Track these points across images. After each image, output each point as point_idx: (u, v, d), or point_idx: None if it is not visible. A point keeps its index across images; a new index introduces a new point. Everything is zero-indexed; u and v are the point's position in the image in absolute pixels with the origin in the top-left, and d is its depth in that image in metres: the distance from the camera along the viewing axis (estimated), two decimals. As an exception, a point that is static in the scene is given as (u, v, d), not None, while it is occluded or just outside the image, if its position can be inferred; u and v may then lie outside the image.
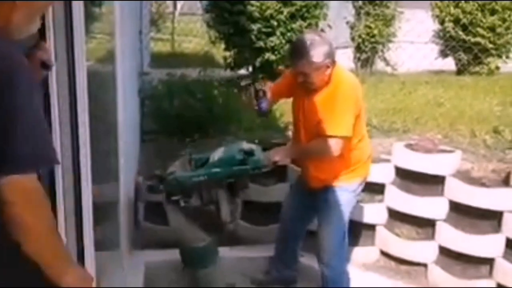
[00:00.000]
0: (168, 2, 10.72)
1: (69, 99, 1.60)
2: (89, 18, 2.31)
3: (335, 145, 2.44)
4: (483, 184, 3.11)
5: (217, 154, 2.63)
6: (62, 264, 1.24)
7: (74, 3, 1.56)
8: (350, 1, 6.49)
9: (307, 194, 2.72)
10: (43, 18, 1.49)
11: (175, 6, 10.93)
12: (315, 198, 2.67)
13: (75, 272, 1.27)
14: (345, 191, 2.60)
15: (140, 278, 2.92)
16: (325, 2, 5.83)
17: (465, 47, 6.31)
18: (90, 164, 1.77)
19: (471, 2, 6.27)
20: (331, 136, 2.43)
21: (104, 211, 2.51)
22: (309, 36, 2.50)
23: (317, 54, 2.40)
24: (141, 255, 3.16)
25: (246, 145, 2.66)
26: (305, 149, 2.65)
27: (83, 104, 1.67)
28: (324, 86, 2.49)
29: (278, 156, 2.61)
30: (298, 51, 2.47)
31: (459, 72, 6.52)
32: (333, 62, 2.46)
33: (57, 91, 1.58)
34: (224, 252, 2.82)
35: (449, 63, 6.82)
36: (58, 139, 1.61)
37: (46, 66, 1.42)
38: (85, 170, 1.73)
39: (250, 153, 2.54)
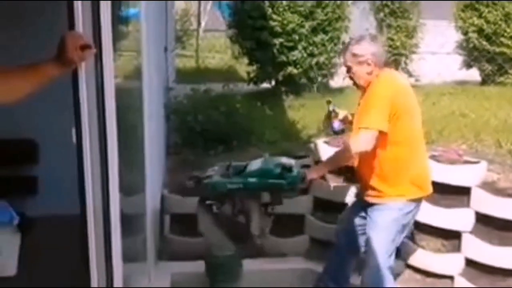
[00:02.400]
0: (192, 19, 10.93)
1: (97, 114, 1.67)
2: (117, 36, 2.40)
3: (364, 137, 2.43)
4: (509, 195, 3.06)
5: (255, 164, 2.62)
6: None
7: (102, 21, 1.64)
8: (372, 14, 6.51)
9: (361, 209, 2.69)
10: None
11: (199, 23, 11.13)
12: (367, 215, 2.64)
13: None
14: (388, 209, 2.54)
15: (166, 289, 2.97)
16: (346, 15, 5.88)
17: (489, 57, 6.24)
18: (118, 176, 1.83)
19: (494, 12, 6.22)
20: (360, 128, 2.45)
21: (131, 223, 2.58)
22: (360, 34, 2.66)
23: (360, 49, 2.51)
24: (167, 267, 3.20)
25: (285, 160, 2.65)
26: (337, 154, 2.66)
27: (112, 118, 1.74)
28: (367, 85, 2.55)
29: (314, 174, 2.62)
30: (346, 44, 2.66)
31: (483, 82, 6.44)
32: (379, 64, 2.51)
33: (87, 106, 1.66)
34: (247, 264, 2.84)
35: (474, 74, 6.75)
36: (88, 152, 1.68)
37: (86, 46, 1.52)
38: (113, 182, 1.79)
39: (288, 168, 2.53)
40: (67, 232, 2.34)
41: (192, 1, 11.49)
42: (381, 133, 2.42)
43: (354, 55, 2.52)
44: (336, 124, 2.80)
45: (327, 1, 5.66)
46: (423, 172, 2.63)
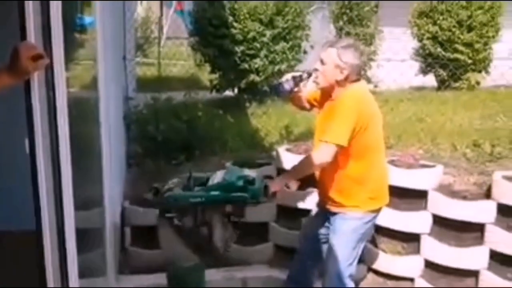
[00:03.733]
0: (152, 27, 10.83)
1: (49, 125, 1.62)
2: (73, 44, 2.35)
3: (325, 150, 2.45)
4: (465, 197, 3.17)
5: (217, 177, 2.59)
6: None
7: (53, 28, 1.59)
8: (331, 22, 6.62)
9: (322, 218, 2.71)
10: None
11: (160, 30, 11.03)
12: (328, 223, 2.66)
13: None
14: (349, 219, 2.57)
15: (128, 303, 2.90)
16: (306, 23, 5.95)
17: (444, 63, 6.44)
18: (73, 190, 1.78)
19: (448, 19, 6.43)
20: (322, 141, 2.47)
21: (90, 237, 2.51)
22: (352, 40, 2.58)
23: (346, 56, 2.47)
24: (128, 280, 3.14)
25: (247, 172, 2.63)
26: (299, 165, 2.64)
27: (64, 130, 1.69)
28: (329, 90, 2.55)
29: (276, 186, 2.59)
30: (334, 41, 2.60)
31: (440, 88, 6.64)
32: (351, 77, 2.50)
33: (40, 118, 1.61)
34: (211, 273, 2.81)
35: (431, 80, 6.96)
36: (42, 164, 1.63)
37: (39, 57, 1.50)
38: (68, 196, 1.74)
39: (250, 181, 2.51)
40: (21, 248, 2.26)
41: (153, 9, 11.39)
42: (342, 147, 2.45)
43: (338, 56, 2.47)
44: (286, 84, 2.68)
45: (287, 10, 5.71)
46: (381, 184, 2.67)
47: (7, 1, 3.10)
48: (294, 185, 3.26)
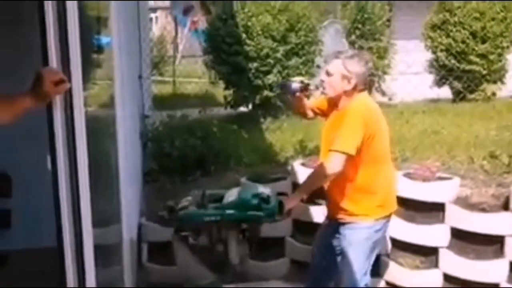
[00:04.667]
0: (168, 46, 11.01)
1: (67, 145, 1.67)
2: (90, 64, 2.41)
3: (335, 159, 2.45)
4: (483, 210, 3.13)
5: (232, 195, 2.58)
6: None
7: (71, 49, 1.65)
8: (344, 37, 6.66)
9: (332, 229, 2.71)
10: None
11: (176, 49, 11.21)
12: (339, 234, 2.66)
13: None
14: (360, 228, 2.57)
15: (145, 319, 2.92)
16: (319, 38, 6.00)
17: (459, 75, 6.41)
18: (91, 207, 1.82)
19: (462, 31, 6.42)
20: (331, 151, 2.47)
21: (108, 253, 2.55)
22: (358, 51, 2.63)
23: (352, 66, 2.51)
24: (146, 296, 3.17)
25: (261, 189, 2.62)
26: (310, 178, 2.65)
27: (82, 149, 1.73)
28: (336, 100, 2.58)
29: (291, 203, 2.59)
30: (340, 53, 2.61)
31: (455, 100, 6.61)
32: (359, 86, 2.53)
33: (61, 136, 1.66)
34: (227, 289, 2.81)
35: (446, 92, 6.92)
36: (63, 183, 1.68)
37: (61, 81, 1.58)
38: (86, 213, 1.78)
39: (265, 199, 2.50)
40: (43, 266, 2.30)
41: (168, 28, 11.58)
42: (351, 156, 2.46)
43: (344, 66, 2.51)
44: (294, 84, 2.77)
45: (300, 25, 5.77)
46: (389, 192, 2.68)
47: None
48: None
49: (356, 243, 2.58)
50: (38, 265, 2.81)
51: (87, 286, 1.81)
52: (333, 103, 2.66)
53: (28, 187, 3.31)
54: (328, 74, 2.58)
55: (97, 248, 1.89)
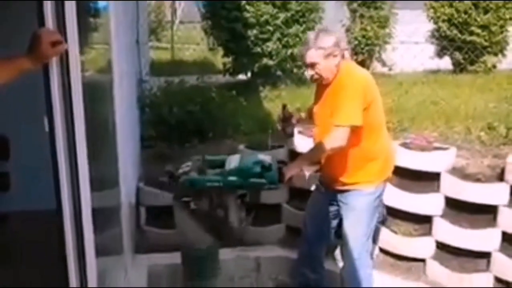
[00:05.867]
0: (166, 11, 10.83)
1: (64, 109, 1.66)
2: (87, 28, 2.38)
3: (340, 134, 2.44)
4: (478, 180, 3.15)
5: (233, 161, 2.60)
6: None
7: (67, 13, 1.63)
8: (345, 4, 6.56)
9: (328, 196, 2.73)
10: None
11: (174, 14, 11.03)
12: (335, 202, 2.69)
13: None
14: (363, 195, 2.60)
15: (144, 281, 2.98)
16: (320, 5, 5.91)
17: (460, 46, 6.36)
18: (88, 171, 1.83)
19: (465, 2, 6.33)
20: (336, 126, 2.46)
21: (106, 217, 2.58)
22: (315, 31, 2.63)
23: (324, 42, 2.49)
24: (144, 259, 3.22)
25: (262, 157, 2.62)
26: (313, 151, 2.64)
27: (79, 111, 1.73)
28: (333, 78, 2.55)
29: (291, 171, 2.58)
30: (306, 43, 2.58)
31: (455, 71, 6.57)
32: (342, 54, 2.52)
33: (58, 100, 1.65)
34: (224, 253, 2.86)
35: (447, 63, 6.88)
36: (61, 146, 1.68)
37: (58, 42, 1.57)
38: (83, 176, 1.79)
39: (267, 167, 2.51)
40: (41, 227, 2.34)
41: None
42: (357, 127, 2.45)
43: (320, 48, 2.48)
44: (289, 129, 2.94)
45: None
46: (388, 156, 2.72)
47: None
48: (310, 169, 3.29)
49: (360, 210, 2.61)
50: (36, 226, 2.85)
51: (86, 248, 1.84)
52: (322, 85, 2.64)
53: (26, 149, 3.32)
54: (312, 66, 2.53)
55: (96, 211, 1.91)
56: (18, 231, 3.15)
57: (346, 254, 2.69)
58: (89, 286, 1.85)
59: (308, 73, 2.60)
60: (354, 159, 2.57)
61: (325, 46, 2.48)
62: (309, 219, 2.92)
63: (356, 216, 2.62)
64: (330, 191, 2.72)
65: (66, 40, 1.63)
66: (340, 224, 2.74)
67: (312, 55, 2.51)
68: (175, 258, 2.83)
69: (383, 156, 2.66)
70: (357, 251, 2.63)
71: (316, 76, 2.57)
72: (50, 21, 1.58)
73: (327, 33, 2.53)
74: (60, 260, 1.76)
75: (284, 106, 2.93)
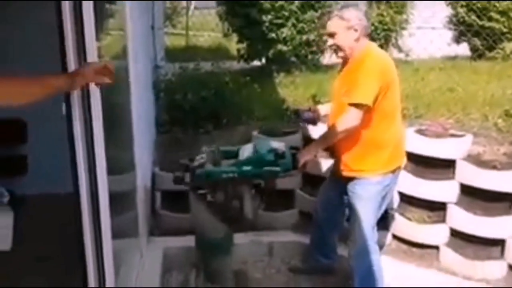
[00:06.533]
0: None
1: (81, 93, 1.69)
2: (103, 15, 2.40)
3: (353, 114, 2.46)
4: (494, 167, 3.12)
5: (247, 150, 2.60)
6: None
7: (84, 2, 1.65)
8: (361, -11, 6.46)
9: (340, 183, 2.73)
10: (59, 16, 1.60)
11: (189, 0, 10.99)
12: (346, 188, 2.69)
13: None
14: (370, 184, 2.60)
15: (158, 263, 3.03)
16: (336, -9, 5.84)
17: (478, 32, 6.23)
18: (105, 154, 1.86)
19: (484, -13, 6.19)
20: (350, 104, 2.47)
21: (122, 201, 2.62)
22: (343, 5, 2.69)
23: (347, 14, 2.54)
24: (159, 242, 3.27)
25: (275, 145, 2.62)
26: (326, 135, 2.64)
27: (96, 97, 1.76)
28: (351, 54, 2.56)
29: (306, 156, 2.60)
30: (330, 13, 2.64)
31: (474, 57, 6.45)
32: (363, 31, 2.55)
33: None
34: (238, 237, 2.89)
35: (465, 49, 6.75)
36: (79, 133, 1.71)
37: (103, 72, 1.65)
38: (100, 160, 1.82)
39: (281, 155, 2.51)
40: (59, 211, 2.39)
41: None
42: (368, 108, 2.45)
43: (342, 18, 2.52)
44: (306, 114, 2.92)
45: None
46: (398, 146, 2.68)
47: None
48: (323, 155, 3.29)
49: (366, 199, 2.61)
50: (54, 209, 2.91)
51: (103, 230, 1.88)
52: (342, 63, 2.67)
53: (43, 133, 3.37)
54: (331, 36, 2.56)
55: (112, 195, 1.95)
56: (35, 214, 3.22)
57: (354, 242, 2.70)
58: (105, 267, 1.90)
59: (328, 43, 2.64)
60: (362, 144, 2.56)
61: (348, 17, 2.52)
62: (320, 205, 2.94)
63: (362, 204, 2.62)
64: (340, 179, 2.71)
65: (82, 26, 1.65)
66: (350, 215, 2.74)
67: (334, 24, 2.55)
68: (190, 241, 2.87)
69: (393, 145, 2.63)
70: (363, 239, 2.63)
71: (334, 47, 2.59)
72: (67, 5, 1.60)
73: (352, 8, 2.60)
74: (77, 243, 1.80)
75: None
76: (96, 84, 1.69)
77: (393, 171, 2.64)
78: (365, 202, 2.61)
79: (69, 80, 1.59)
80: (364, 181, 2.60)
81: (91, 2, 1.70)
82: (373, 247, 2.65)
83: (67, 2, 1.59)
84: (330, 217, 2.88)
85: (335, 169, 2.81)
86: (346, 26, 2.51)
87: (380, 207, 2.65)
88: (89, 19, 1.68)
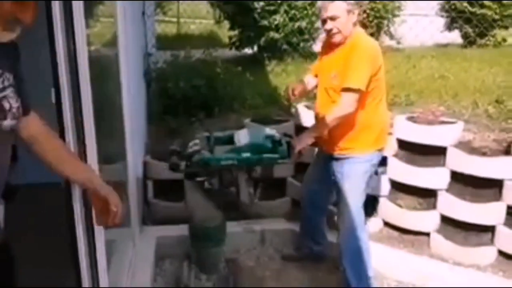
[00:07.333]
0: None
1: (71, 81, 1.67)
2: (93, 2, 2.36)
3: (349, 100, 2.48)
4: (484, 154, 3.14)
5: (242, 136, 2.58)
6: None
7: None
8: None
9: (325, 166, 2.75)
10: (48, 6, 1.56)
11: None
12: (332, 170, 2.71)
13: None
14: (358, 162, 2.63)
15: (151, 251, 3.03)
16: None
17: (470, 18, 6.24)
18: (96, 144, 1.84)
19: (476, -27, 6.19)
20: (344, 90, 2.48)
21: (114, 190, 2.60)
22: None
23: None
24: (151, 231, 3.27)
25: (269, 131, 2.62)
26: (322, 121, 2.63)
27: (86, 84, 1.74)
28: (345, 39, 2.56)
29: (301, 144, 2.60)
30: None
31: (465, 45, 6.47)
32: (357, 15, 2.56)
33: (64, 75, 1.65)
34: (230, 226, 2.90)
35: (457, 37, 6.76)
36: (67, 118, 1.69)
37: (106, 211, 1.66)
38: (91, 149, 1.81)
39: (278, 142, 2.52)
40: (49, 200, 2.37)
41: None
42: (360, 94, 2.47)
43: (344, 0, 2.51)
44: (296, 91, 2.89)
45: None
46: (384, 127, 2.75)
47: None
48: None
49: (355, 176, 2.64)
50: (44, 199, 2.89)
51: (94, 224, 1.87)
52: (328, 46, 2.67)
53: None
54: (332, 19, 2.53)
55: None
56: (27, 203, 3.20)
57: (342, 222, 2.71)
58: (98, 256, 1.89)
59: (326, 27, 2.57)
60: (355, 125, 2.59)
61: (348, 1, 2.52)
62: (306, 192, 2.97)
63: (351, 183, 2.64)
64: (325, 161, 2.74)
65: (71, 11, 1.62)
66: (338, 196, 2.75)
67: (336, 7, 2.52)
68: (183, 230, 2.87)
69: (380, 126, 2.69)
70: (351, 218, 2.65)
71: (334, 31, 2.55)
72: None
73: None
74: (69, 232, 1.79)
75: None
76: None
77: (379, 150, 2.71)
78: (353, 180, 2.64)
79: (90, 184, 1.63)
80: (352, 159, 2.63)
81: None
82: (360, 225, 2.68)
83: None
84: (317, 202, 2.93)
85: (324, 149, 2.79)
86: (347, 9, 2.51)
87: (367, 186, 2.69)
88: (78, 6, 1.65)
